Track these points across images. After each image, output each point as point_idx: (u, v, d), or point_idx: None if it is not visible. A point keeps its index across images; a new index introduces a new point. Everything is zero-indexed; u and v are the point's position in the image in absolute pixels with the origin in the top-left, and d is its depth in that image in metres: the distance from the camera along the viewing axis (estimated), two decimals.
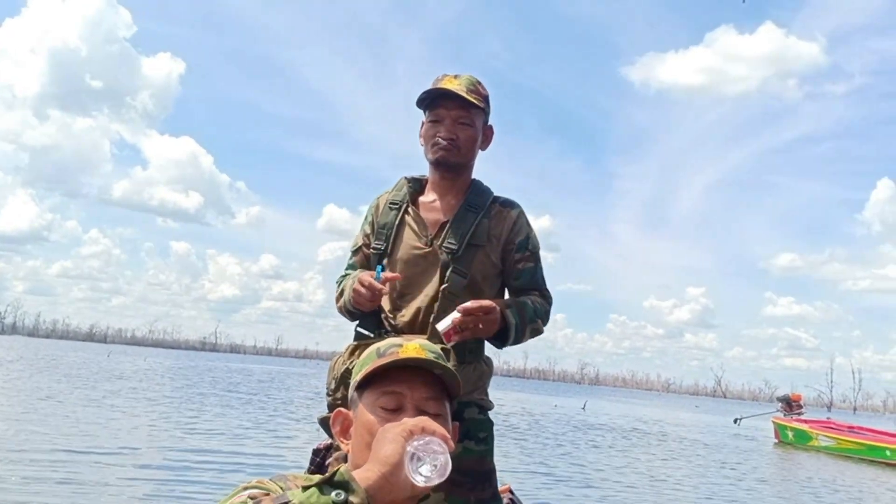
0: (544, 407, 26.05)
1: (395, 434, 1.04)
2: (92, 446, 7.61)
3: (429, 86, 2.16)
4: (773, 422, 18.46)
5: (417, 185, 2.25)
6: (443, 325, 1.90)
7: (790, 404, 18.42)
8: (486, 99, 2.18)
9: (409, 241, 2.16)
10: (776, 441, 17.78)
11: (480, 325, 1.94)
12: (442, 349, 1.96)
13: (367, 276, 2.01)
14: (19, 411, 10.38)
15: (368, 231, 2.25)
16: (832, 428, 16.80)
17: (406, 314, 2.12)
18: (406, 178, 2.28)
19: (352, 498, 0.97)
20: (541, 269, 2.25)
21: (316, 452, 2.03)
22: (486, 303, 1.94)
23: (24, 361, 27.09)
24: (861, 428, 17.13)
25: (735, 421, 23.66)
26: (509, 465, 8.91)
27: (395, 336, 2.04)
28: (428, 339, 1.97)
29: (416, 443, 1.03)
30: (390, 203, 2.23)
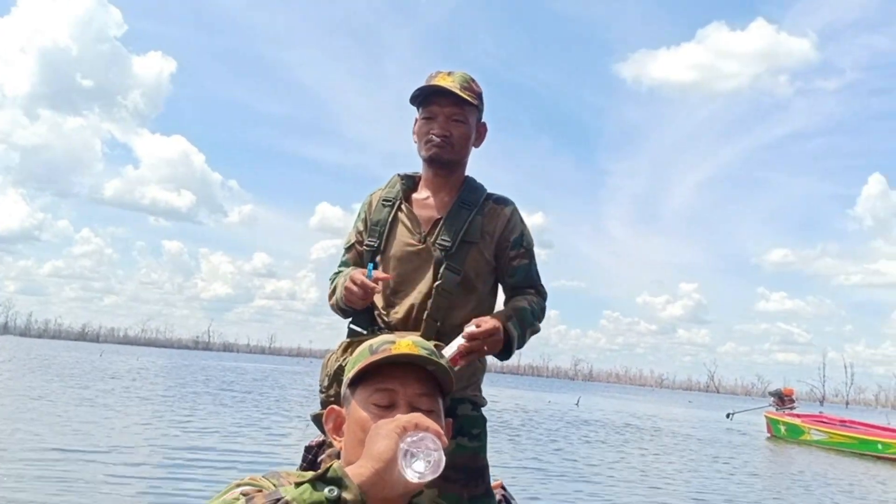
0: (538, 403, 26.10)
1: (388, 430, 1.04)
2: (85, 445, 7.59)
3: (422, 83, 2.16)
4: (766, 416, 18.54)
5: (411, 182, 2.25)
6: (449, 352, 1.90)
7: (782, 399, 18.51)
8: (479, 96, 2.18)
9: (403, 238, 2.16)
10: (768, 435, 17.86)
11: (486, 348, 1.95)
12: (435, 346, 1.97)
13: (358, 274, 2.01)
14: (12, 411, 10.34)
15: (361, 228, 2.25)
16: (824, 422, 16.90)
17: (399, 311, 2.13)
18: (399, 175, 2.28)
19: (345, 494, 0.97)
20: (535, 265, 2.25)
21: (308, 449, 2.03)
22: (489, 326, 1.94)
23: (17, 361, 26.96)
24: (853, 422, 17.24)
25: (728, 416, 23.73)
26: (502, 460, 8.93)
27: (388, 333, 2.04)
28: (421, 335, 1.98)
29: (409, 439, 1.03)
30: (383, 200, 2.23)
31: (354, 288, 1.99)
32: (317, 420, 1.85)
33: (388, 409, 1.17)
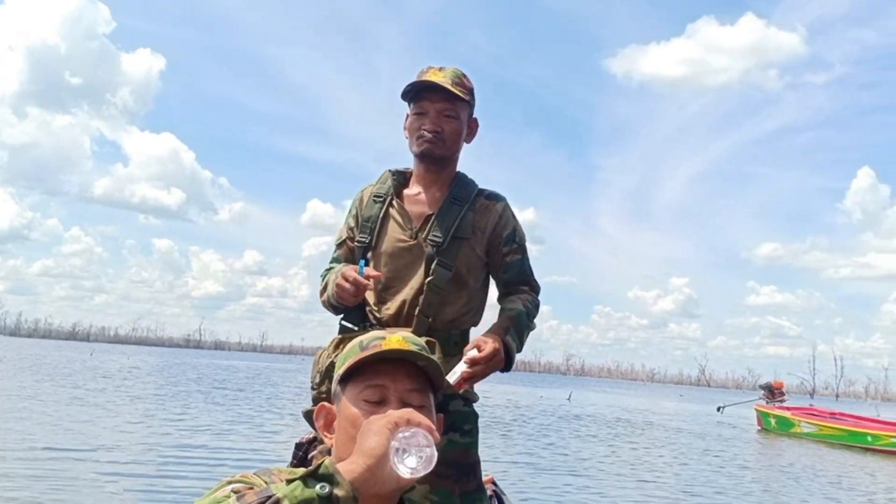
0: (530, 398, 26.15)
1: (380, 426, 1.04)
2: (76, 444, 7.56)
3: (412, 79, 2.15)
4: (756, 409, 18.64)
5: (402, 178, 2.25)
6: (453, 378, 1.90)
7: (772, 392, 18.62)
8: (471, 91, 2.18)
9: (394, 234, 2.16)
10: (759, 428, 17.95)
11: (488, 370, 1.96)
12: (427, 342, 1.97)
13: (350, 270, 2.00)
14: (3, 410, 10.27)
15: (353, 224, 2.25)
16: (814, 415, 17.00)
17: (391, 307, 2.12)
18: (390, 171, 2.27)
19: (336, 491, 0.97)
20: (528, 260, 2.26)
21: (298, 446, 2.02)
22: (490, 350, 1.93)
23: (7, 361, 26.79)
24: (842, 414, 17.34)
25: (718, 409, 23.85)
26: (493, 455, 8.95)
27: (379, 329, 2.04)
28: (413, 331, 1.98)
29: (401, 435, 1.03)
30: (374, 196, 2.22)
31: (346, 285, 1.98)
32: (308, 416, 1.85)
33: (379, 405, 1.16)
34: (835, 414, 17.28)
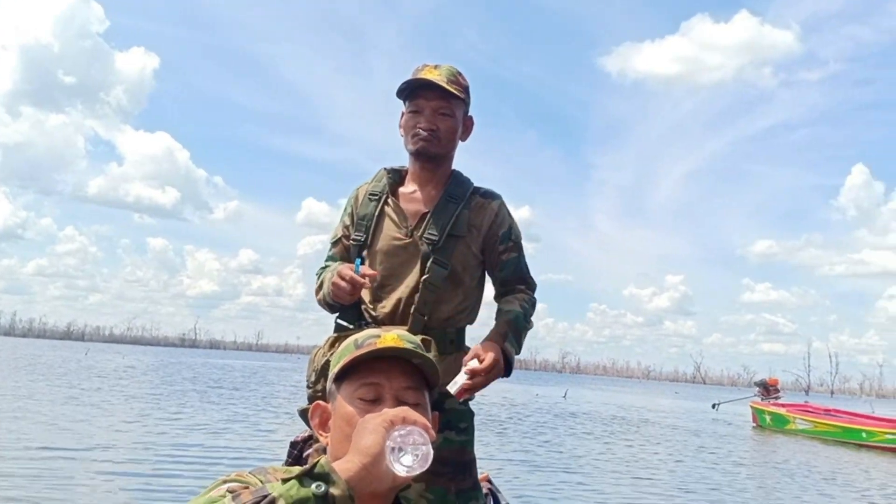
0: (526, 396, 26.17)
1: (375, 424, 1.04)
2: (72, 443, 7.54)
3: (407, 77, 2.15)
4: (751, 406, 18.69)
5: (397, 176, 2.24)
6: (453, 388, 1.92)
7: (767, 389, 18.66)
8: (466, 89, 2.17)
9: (389, 232, 2.15)
10: (754, 425, 18.00)
11: (488, 381, 1.97)
12: (423, 340, 1.97)
13: (346, 269, 1.99)
14: None
15: (348, 222, 2.24)
16: (809, 411, 17.05)
17: (387, 305, 2.12)
18: (386, 169, 2.27)
19: (332, 490, 0.97)
20: (524, 258, 2.26)
21: (294, 445, 2.02)
22: (490, 361, 1.94)
23: (1, 361, 26.69)
24: (837, 411, 17.40)
25: (713, 406, 23.92)
26: (489, 453, 8.96)
27: (375, 327, 2.04)
28: (408, 330, 1.98)
29: (396, 433, 1.03)
30: (370, 194, 2.22)
31: (342, 283, 1.97)
32: (304, 415, 1.85)
33: (374, 403, 1.16)
34: (829, 410, 17.34)
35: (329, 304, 2.14)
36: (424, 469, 1.02)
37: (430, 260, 2.09)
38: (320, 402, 1.27)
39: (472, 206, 2.18)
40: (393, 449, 1.01)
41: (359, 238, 2.18)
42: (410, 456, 1.01)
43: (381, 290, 2.14)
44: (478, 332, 2.42)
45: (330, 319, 2.21)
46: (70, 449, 7.20)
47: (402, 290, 2.11)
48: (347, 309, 2.15)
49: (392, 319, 2.10)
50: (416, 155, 2.16)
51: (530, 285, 2.27)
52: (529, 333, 2.22)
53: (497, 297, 2.28)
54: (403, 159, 2.25)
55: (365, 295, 2.15)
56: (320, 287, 2.17)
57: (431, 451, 1.03)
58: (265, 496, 0.96)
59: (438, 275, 2.09)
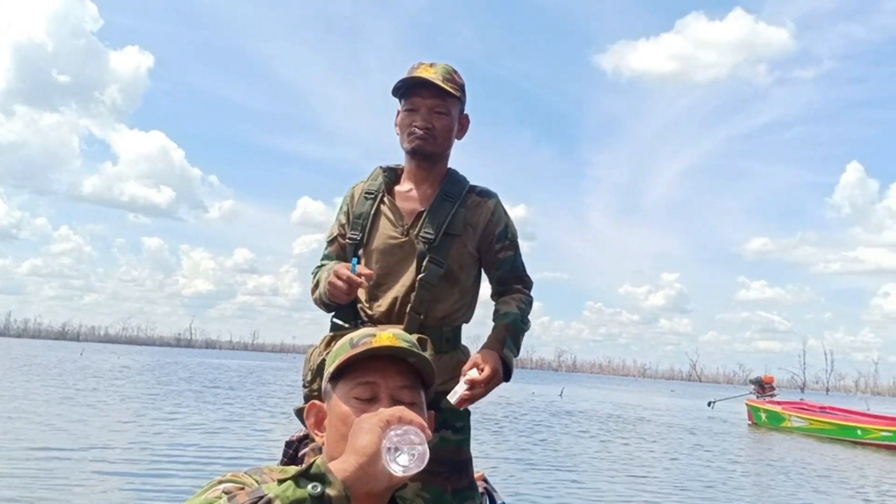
0: (522, 395, 26.19)
1: (371, 424, 1.03)
2: (67, 443, 7.51)
3: (403, 75, 2.14)
4: (747, 404, 18.73)
5: (393, 175, 2.24)
6: (454, 398, 1.92)
7: (762, 386, 18.71)
8: (461, 87, 2.17)
9: (385, 231, 2.15)
10: (750, 423, 18.04)
11: (488, 391, 1.98)
12: (419, 339, 1.96)
13: (343, 268, 1.99)
14: None
15: (344, 221, 2.24)
16: (804, 409, 17.09)
17: (383, 304, 2.12)
18: (381, 167, 2.26)
19: (328, 490, 0.96)
20: (520, 256, 2.26)
21: (289, 444, 2.01)
22: (489, 371, 1.95)
23: None
24: (832, 408, 17.45)
25: (709, 404, 23.96)
26: (484, 451, 8.96)
27: (371, 326, 2.03)
28: (404, 329, 1.98)
29: (392, 433, 1.02)
30: (366, 193, 2.22)
31: (339, 283, 1.97)
32: (300, 414, 1.84)
33: (370, 402, 1.15)
34: (825, 408, 17.39)
35: (325, 304, 2.14)
36: (421, 469, 1.02)
37: (427, 258, 2.09)
38: (316, 401, 1.27)
39: (469, 204, 2.18)
40: (389, 449, 1.01)
41: (355, 237, 2.18)
42: (407, 456, 1.01)
43: (377, 288, 2.13)
44: (474, 330, 2.42)
45: (326, 318, 2.21)
46: (66, 449, 7.18)
47: (399, 289, 2.10)
48: (343, 308, 2.15)
49: (388, 318, 2.10)
50: (412, 153, 2.15)
51: (527, 283, 2.27)
52: (526, 332, 2.22)
53: (493, 296, 2.28)
54: (399, 158, 2.25)
55: (361, 294, 2.14)
56: (316, 286, 2.16)
57: (428, 451, 1.02)
58: (261, 497, 0.96)
59: (435, 273, 2.08)
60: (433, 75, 2.10)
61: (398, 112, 2.18)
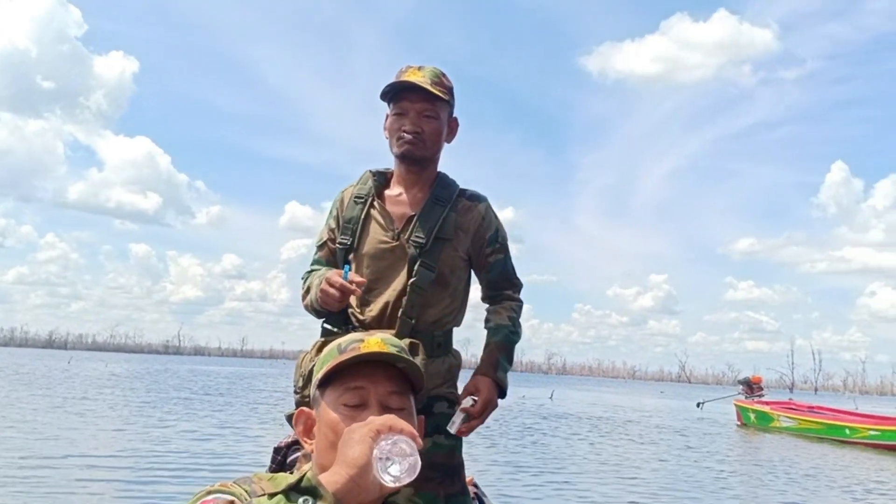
0: (512, 398, 26.08)
1: (362, 434, 1.02)
2: (56, 451, 7.44)
3: (390, 79, 2.13)
4: (735, 405, 18.80)
5: (382, 179, 2.23)
6: (452, 428, 1.96)
7: (751, 387, 18.79)
8: (450, 91, 2.16)
9: (376, 236, 2.14)
10: (738, 423, 18.11)
11: (484, 419, 2.03)
12: (410, 344, 1.95)
13: (335, 276, 1.97)
14: None
15: (333, 225, 2.22)
16: (793, 409, 17.17)
17: (374, 309, 2.11)
18: (371, 171, 2.25)
19: (320, 503, 0.95)
20: (510, 259, 2.27)
21: (277, 450, 2.01)
22: (483, 402, 2.01)
23: None
24: (821, 408, 17.55)
25: (698, 405, 24.04)
26: (474, 455, 8.95)
27: (362, 331, 2.02)
28: (396, 333, 1.97)
29: (383, 443, 1.01)
30: (355, 197, 2.20)
31: (332, 290, 1.95)
32: (291, 420, 1.83)
33: (359, 408, 1.14)
34: (813, 408, 17.49)
35: (316, 310, 2.12)
36: (412, 479, 1.01)
37: (418, 263, 2.08)
38: (304, 408, 1.25)
39: (459, 208, 2.17)
40: (380, 459, 1.00)
41: (345, 241, 2.17)
42: (398, 466, 1.00)
43: (368, 293, 2.12)
44: (464, 333, 2.43)
45: (316, 324, 2.19)
46: (55, 457, 7.12)
47: (390, 294, 2.09)
48: (334, 313, 2.14)
49: (379, 323, 2.09)
50: (402, 158, 2.14)
51: (517, 286, 2.28)
52: (518, 341, 2.23)
53: (484, 299, 2.28)
54: (388, 161, 2.24)
55: (352, 299, 2.13)
56: (307, 292, 2.14)
57: (419, 461, 1.02)
58: None
59: (426, 278, 2.07)
60: (421, 79, 2.09)
61: (387, 116, 2.17)
